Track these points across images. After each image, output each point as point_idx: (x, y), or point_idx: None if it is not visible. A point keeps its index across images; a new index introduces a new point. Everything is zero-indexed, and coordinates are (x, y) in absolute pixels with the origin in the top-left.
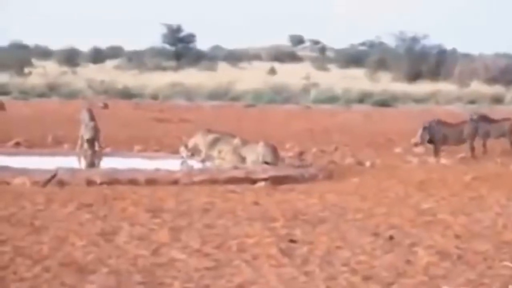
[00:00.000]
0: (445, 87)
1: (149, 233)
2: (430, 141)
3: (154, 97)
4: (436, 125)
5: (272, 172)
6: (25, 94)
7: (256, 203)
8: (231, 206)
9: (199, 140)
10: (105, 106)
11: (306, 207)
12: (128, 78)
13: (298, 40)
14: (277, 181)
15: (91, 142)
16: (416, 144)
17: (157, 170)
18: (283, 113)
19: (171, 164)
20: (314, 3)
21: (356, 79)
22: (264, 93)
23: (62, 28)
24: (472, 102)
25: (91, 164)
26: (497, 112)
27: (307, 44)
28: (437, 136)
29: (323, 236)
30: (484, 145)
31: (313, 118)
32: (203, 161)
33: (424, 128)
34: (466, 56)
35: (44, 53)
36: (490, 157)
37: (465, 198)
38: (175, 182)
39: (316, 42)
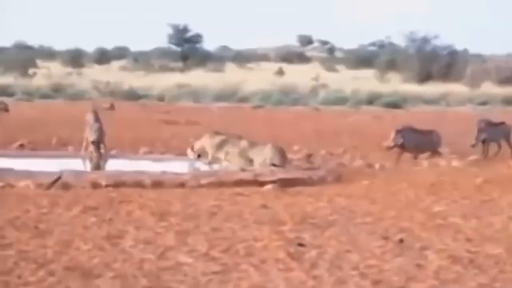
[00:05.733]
0: (456, 88)
1: (155, 236)
2: (402, 145)
3: (161, 98)
4: (408, 131)
5: (280, 174)
6: (29, 95)
7: (264, 206)
8: (238, 209)
9: (206, 142)
10: (111, 107)
11: (315, 210)
12: (134, 79)
13: (306, 41)
14: (285, 183)
15: (97, 144)
16: (388, 148)
17: (164, 172)
18: (291, 115)
19: (178, 167)
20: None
21: (366, 80)
22: (272, 94)
23: (66, 29)
24: (483, 103)
25: (97, 167)
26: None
27: (316, 44)
28: (407, 143)
29: (332, 239)
30: (487, 150)
31: (322, 120)
32: (210, 163)
33: (397, 132)
34: (478, 56)
35: (49, 54)
36: (502, 160)
37: (476, 201)
38: (182, 184)
39: (325, 43)
